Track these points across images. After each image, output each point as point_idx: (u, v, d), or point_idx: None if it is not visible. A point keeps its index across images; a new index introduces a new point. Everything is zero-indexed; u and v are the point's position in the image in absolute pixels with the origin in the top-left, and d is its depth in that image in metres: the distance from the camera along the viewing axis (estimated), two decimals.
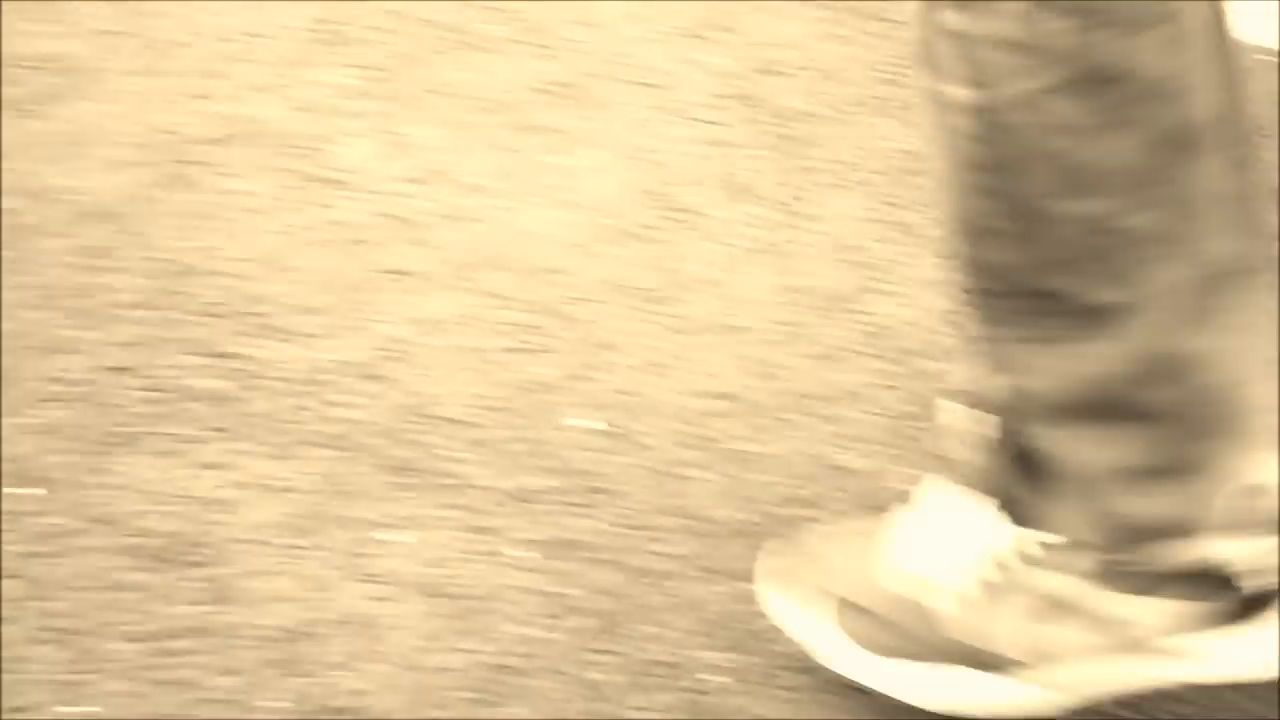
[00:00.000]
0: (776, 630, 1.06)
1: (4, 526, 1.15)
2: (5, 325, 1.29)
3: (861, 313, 1.34)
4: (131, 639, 1.09)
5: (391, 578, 1.13)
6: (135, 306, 1.31)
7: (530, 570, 1.14)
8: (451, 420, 1.23)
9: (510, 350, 1.29)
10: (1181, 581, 0.98)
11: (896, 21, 1.60)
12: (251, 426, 1.23)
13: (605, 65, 1.56)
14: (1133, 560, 0.97)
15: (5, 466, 1.19)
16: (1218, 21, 0.91)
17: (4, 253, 1.34)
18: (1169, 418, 0.94)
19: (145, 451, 1.20)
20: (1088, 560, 0.98)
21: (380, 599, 1.12)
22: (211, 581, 1.12)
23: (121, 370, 1.27)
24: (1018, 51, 0.87)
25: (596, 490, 1.19)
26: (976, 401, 0.98)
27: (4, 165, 1.43)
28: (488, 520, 1.17)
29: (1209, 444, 0.94)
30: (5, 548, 1.13)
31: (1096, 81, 0.87)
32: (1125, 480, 0.95)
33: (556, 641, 1.09)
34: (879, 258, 1.39)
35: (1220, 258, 0.92)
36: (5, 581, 1.11)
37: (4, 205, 1.39)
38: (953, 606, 1.01)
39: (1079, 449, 0.96)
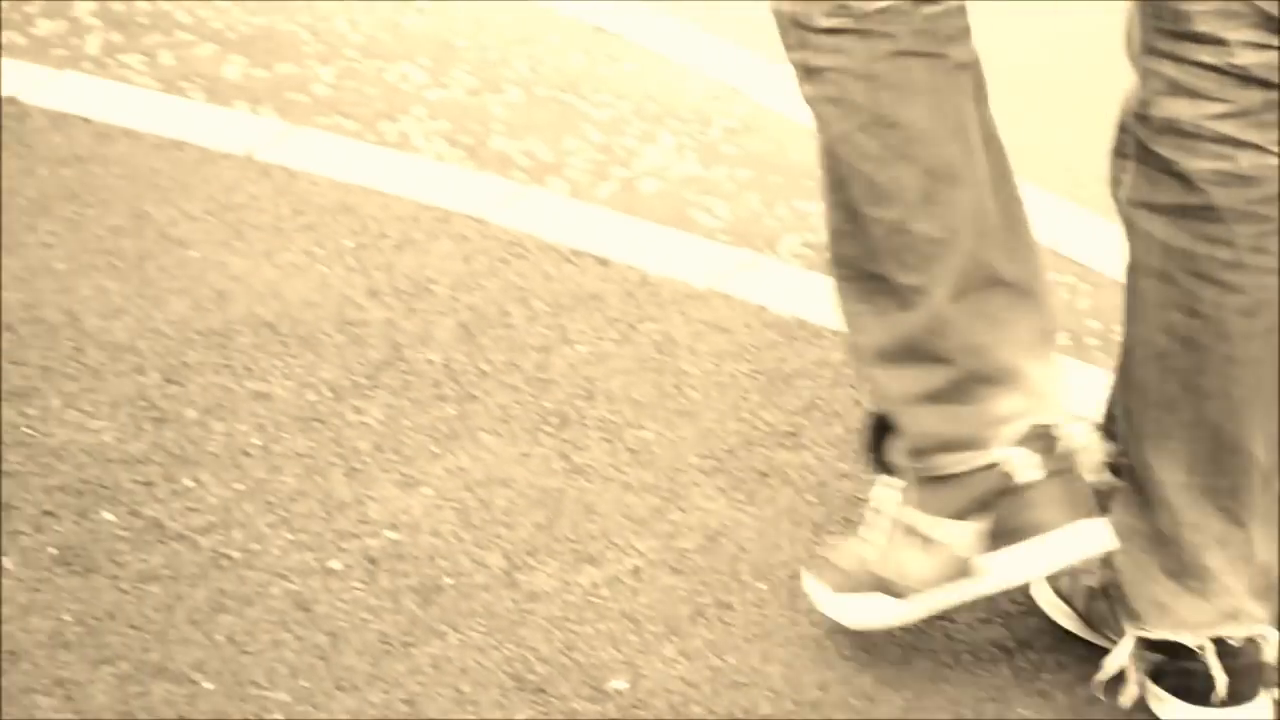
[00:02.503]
0: None
1: None
2: None
3: None
4: None
5: None
6: None
7: None
8: None
9: None
10: (978, 506, 1.40)
11: None
12: None
13: None
14: (932, 465, 1.42)
15: None
16: (977, 96, 1.39)
17: None
18: (956, 365, 1.39)
19: None
20: (912, 483, 1.44)
21: None
22: None
23: None
24: (836, 104, 1.37)
25: None
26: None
27: None
28: None
29: (983, 388, 1.39)
30: None
31: (883, 125, 1.36)
32: (929, 404, 1.40)
33: None
34: None
35: (992, 269, 1.39)
36: None
37: None
38: (872, 550, 1.49)
39: (898, 383, 1.42)
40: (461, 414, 1.85)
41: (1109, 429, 1.50)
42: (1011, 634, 1.60)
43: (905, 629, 1.58)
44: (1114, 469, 1.48)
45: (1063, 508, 1.40)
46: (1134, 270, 1.43)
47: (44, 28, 2.50)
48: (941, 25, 1.36)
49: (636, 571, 1.67)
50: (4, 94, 2.29)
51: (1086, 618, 1.56)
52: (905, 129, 1.36)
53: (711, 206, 2.30)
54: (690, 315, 2.04)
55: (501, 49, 2.60)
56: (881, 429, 1.49)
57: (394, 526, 1.68)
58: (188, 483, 1.70)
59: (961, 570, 1.43)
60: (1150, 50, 1.37)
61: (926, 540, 1.44)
